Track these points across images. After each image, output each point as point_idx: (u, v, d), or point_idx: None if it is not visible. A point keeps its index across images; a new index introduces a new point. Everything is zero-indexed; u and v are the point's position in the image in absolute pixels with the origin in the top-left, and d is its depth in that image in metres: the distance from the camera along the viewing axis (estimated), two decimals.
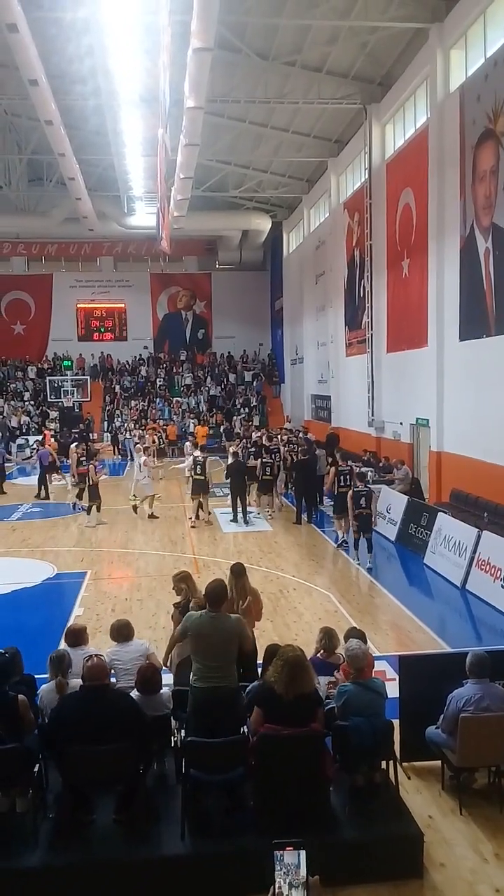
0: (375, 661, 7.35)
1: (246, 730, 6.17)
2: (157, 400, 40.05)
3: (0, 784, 5.83)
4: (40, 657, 6.75)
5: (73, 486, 25.18)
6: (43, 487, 23.30)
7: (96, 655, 6.20)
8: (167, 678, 7.20)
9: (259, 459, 20.25)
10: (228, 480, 19.53)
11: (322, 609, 12.11)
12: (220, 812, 5.97)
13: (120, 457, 33.40)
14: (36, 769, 5.93)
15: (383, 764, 6.26)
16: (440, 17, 17.82)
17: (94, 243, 41.62)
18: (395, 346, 22.25)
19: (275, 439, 24.44)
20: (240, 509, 19.00)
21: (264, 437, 24.35)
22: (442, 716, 6.51)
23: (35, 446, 27.82)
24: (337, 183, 28.12)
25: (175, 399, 40.05)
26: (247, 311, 43.67)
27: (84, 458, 20.52)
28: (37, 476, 24.09)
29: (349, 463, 18.46)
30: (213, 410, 39.24)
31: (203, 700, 6.03)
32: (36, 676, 6.72)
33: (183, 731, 6.25)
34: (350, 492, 15.08)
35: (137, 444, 24.86)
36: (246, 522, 18.88)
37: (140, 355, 43.55)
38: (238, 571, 8.40)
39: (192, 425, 35.27)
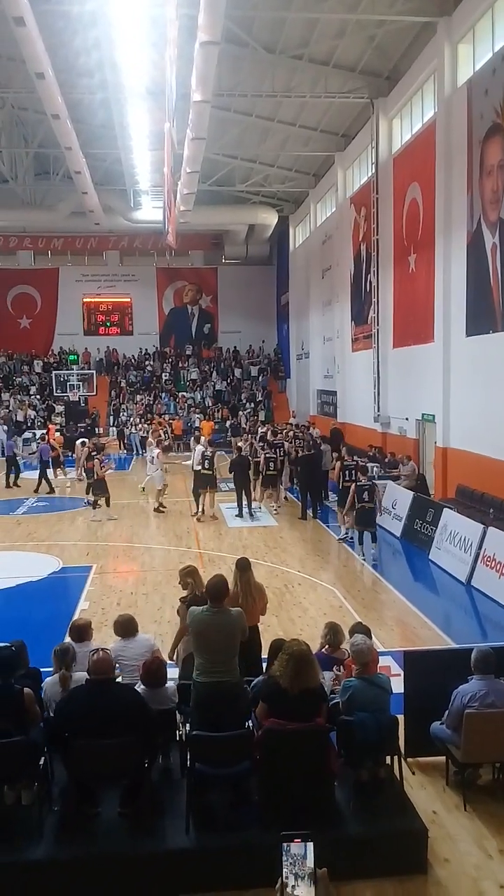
0: (380, 657, 7.36)
1: (251, 724, 6.19)
2: (163, 394, 40.06)
3: (6, 777, 5.84)
4: (46, 651, 6.76)
5: (78, 480, 25.29)
6: (44, 481, 23.30)
7: (102, 649, 6.20)
8: (173, 672, 7.22)
9: (263, 454, 20.25)
10: (232, 475, 19.54)
11: (327, 604, 12.11)
12: (224, 806, 5.98)
13: (125, 451, 33.43)
14: (41, 762, 5.95)
15: (388, 759, 6.25)
16: (448, 10, 17.74)
17: (101, 237, 41.63)
18: (402, 342, 22.21)
19: (279, 434, 24.46)
20: (245, 504, 19.02)
21: (269, 433, 24.35)
22: (447, 711, 6.51)
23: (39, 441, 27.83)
24: (344, 177, 28.04)
25: (181, 394, 40.07)
26: (253, 305, 43.64)
27: (94, 452, 20.57)
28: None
29: (355, 458, 18.47)
30: (218, 405, 39.23)
31: (206, 695, 6.04)
32: (41, 670, 6.73)
33: (188, 725, 6.26)
34: (353, 486, 15.16)
35: (149, 438, 24.87)
36: (251, 517, 18.89)
37: (146, 349, 43.53)
38: (244, 566, 8.40)
39: (197, 420, 35.29)
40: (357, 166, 26.81)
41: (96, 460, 19.35)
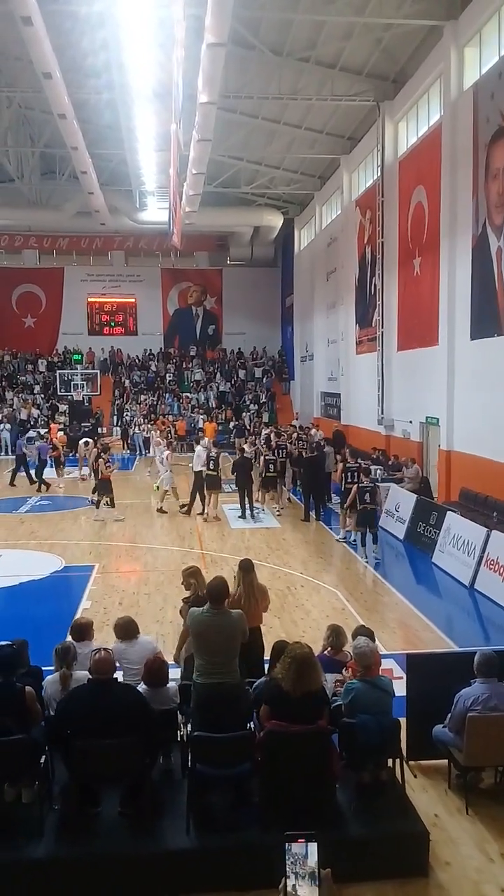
0: (382, 660, 7.34)
1: (252, 725, 6.18)
2: (167, 395, 40.06)
3: (7, 775, 5.84)
4: (47, 649, 6.76)
5: (81, 479, 25.34)
6: (37, 479, 23.30)
7: (104, 649, 6.20)
8: (176, 672, 7.21)
9: (262, 456, 20.26)
10: (235, 476, 19.55)
11: (330, 606, 12.10)
12: (225, 807, 5.98)
13: (128, 451, 33.45)
14: (42, 761, 5.94)
15: (390, 762, 6.24)
16: (455, 14, 17.75)
17: (106, 237, 41.65)
18: (406, 344, 22.20)
19: (283, 436, 24.46)
20: (247, 505, 19.03)
21: (273, 434, 24.35)
22: (449, 715, 6.50)
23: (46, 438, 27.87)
24: (349, 180, 28.04)
25: (184, 394, 40.06)
26: (257, 307, 43.64)
27: (102, 453, 20.61)
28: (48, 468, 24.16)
29: (359, 460, 18.48)
30: (222, 406, 39.24)
31: (206, 696, 6.04)
32: (43, 668, 6.73)
33: (189, 725, 6.26)
34: (354, 487, 15.22)
35: (158, 439, 24.92)
36: (253, 518, 18.90)
37: (150, 350, 43.56)
38: (247, 567, 8.40)
39: (201, 421, 35.29)
40: (363, 169, 26.82)
41: (101, 460, 19.39)
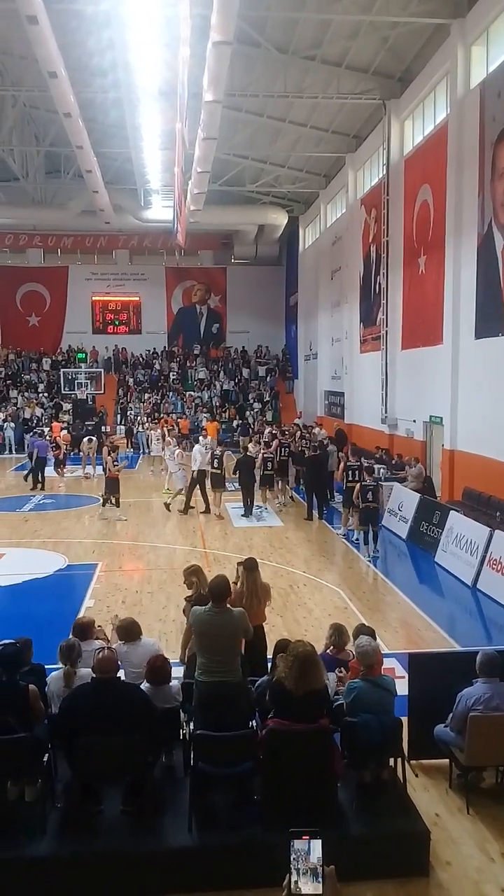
0: (384, 659, 7.34)
1: (254, 724, 6.19)
2: (171, 394, 40.09)
3: (9, 773, 5.86)
4: (51, 647, 6.78)
5: (85, 478, 25.37)
6: (38, 478, 23.30)
7: (107, 648, 6.22)
8: (178, 671, 7.22)
9: (261, 454, 20.30)
10: (237, 475, 19.58)
11: (332, 605, 12.11)
12: (227, 805, 5.99)
13: (132, 450, 33.49)
14: (45, 759, 5.96)
15: (391, 761, 6.26)
16: (462, 12, 17.70)
17: (110, 236, 41.66)
18: (410, 344, 22.17)
19: (286, 435, 24.45)
20: (249, 503, 19.08)
21: (275, 432, 24.35)
22: (451, 714, 6.50)
23: (49, 437, 27.90)
24: (354, 178, 28.01)
25: (188, 393, 40.07)
26: (262, 305, 43.62)
27: (112, 451, 20.62)
28: (49, 467, 24.16)
29: (361, 458, 18.50)
30: (226, 405, 39.25)
31: (207, 695, 6.06)
32: (46, 666, 6.75)
33: (191, 723, 6.27)
34: (357, 485, 15.27)
35: (167, 438, 24.92)
36: (254, 516, 18.92)
37: (154, 348, 43.58)
38: (251, 566, 8.42)
39: (204, 420, 35.31)
40: (368, 168, 26.78)
41: (109, 458, 19.44)
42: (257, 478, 19.70)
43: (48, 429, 30.75)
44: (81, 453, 26.56)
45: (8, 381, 40.31)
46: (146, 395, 39.44)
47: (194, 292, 44.37)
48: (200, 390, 40.74)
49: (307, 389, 38.49)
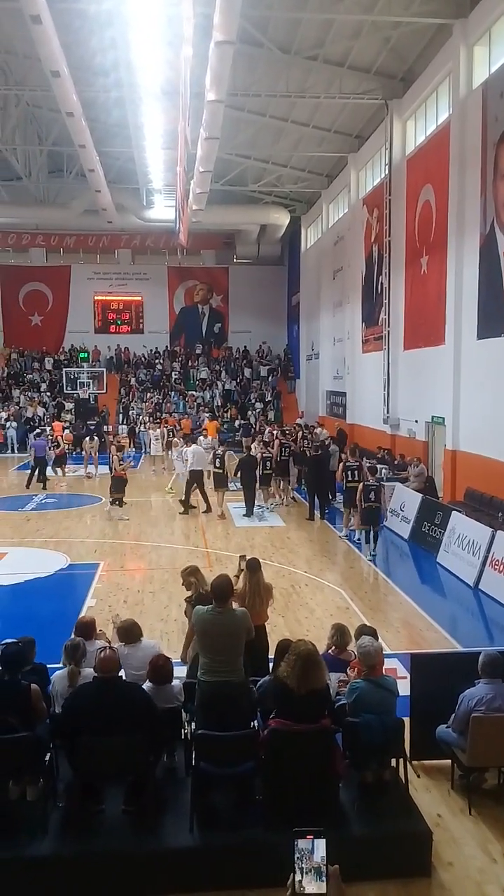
0: (386, 659, 7.34)
1: (256, 724, 6.19)
2: (172, 393, 40.09)
3: (11, 772, 5.86)
4: (53, 647, 6.78)
5: (87, 477, 25.38)
6: (35, 477, 23.28)
7: (110, 648, 6.22)
8: (181, 670, 7.21)
9: (260, 454, 20.32)
10: (239, 475, 19.58)
11: (333, 605, 12.10)
12: (228, 805, 5.99)
13: (134, 449, 33.50)
14: (47, 758, 5.96)
15: (393, 761, 6.25)
16: (464, 13, 17.70)
17: (113, 236, 41.69)
18: (412, 344, 22.16)
19: (287, 434, 24.44)
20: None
21: (279, 433, 24.34)
22: (453, 715, 6.49)
23: (49, 436, 27.91)
24: (356, 178, 28.00)
25: (190, 393, 40.08)
26: (263, 305, 43.62)
27: (117, 451, 20.61)
28: (50, 465, 24.16)
29: (363, 458, 18.50)
30: (227, 405, 39.25)
31: (210, 694, 6.05)
32: (48, 666, 6.75)
33: (193, 723, 6.27)
34: (360, 486, 15.25)
35: (175, 438, 24.89)
36: (256, 516, 18.92)
37: (156, 348, 43.59)
38: (253, 566, 8.42)
39: (206, 419, 35.31)
40: (370, 168, 26.77)
41: (115, 458, 19.46)
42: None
43: (49, 428, 30.77)
44: (84, 453, 26.58)
45: (10, 381, 40.34)
46: (148, 395, 39.45)
47: (196, 292, 44.39)
48: (202, 390, 40.76)
49: (309, 389, 38.48)
